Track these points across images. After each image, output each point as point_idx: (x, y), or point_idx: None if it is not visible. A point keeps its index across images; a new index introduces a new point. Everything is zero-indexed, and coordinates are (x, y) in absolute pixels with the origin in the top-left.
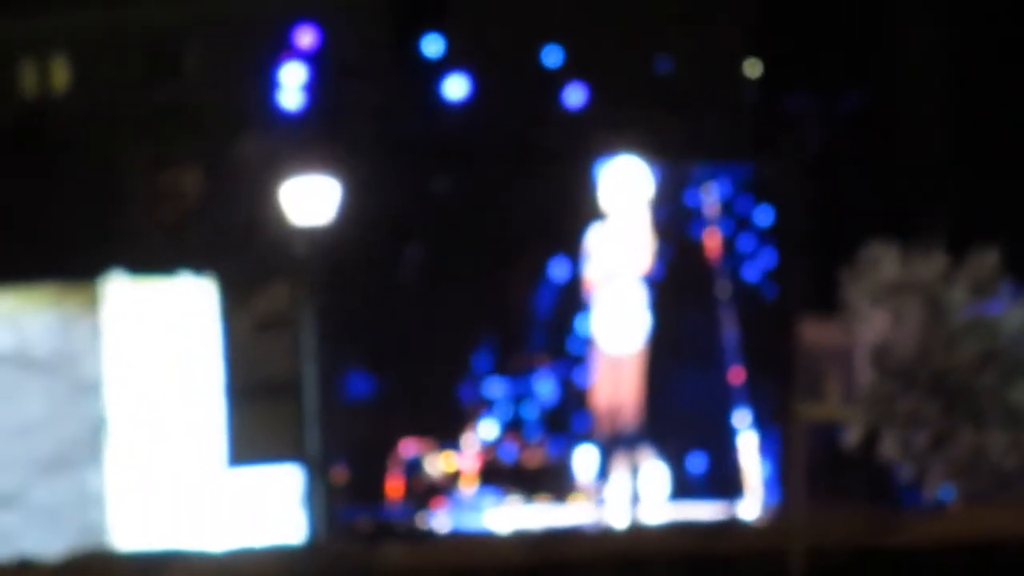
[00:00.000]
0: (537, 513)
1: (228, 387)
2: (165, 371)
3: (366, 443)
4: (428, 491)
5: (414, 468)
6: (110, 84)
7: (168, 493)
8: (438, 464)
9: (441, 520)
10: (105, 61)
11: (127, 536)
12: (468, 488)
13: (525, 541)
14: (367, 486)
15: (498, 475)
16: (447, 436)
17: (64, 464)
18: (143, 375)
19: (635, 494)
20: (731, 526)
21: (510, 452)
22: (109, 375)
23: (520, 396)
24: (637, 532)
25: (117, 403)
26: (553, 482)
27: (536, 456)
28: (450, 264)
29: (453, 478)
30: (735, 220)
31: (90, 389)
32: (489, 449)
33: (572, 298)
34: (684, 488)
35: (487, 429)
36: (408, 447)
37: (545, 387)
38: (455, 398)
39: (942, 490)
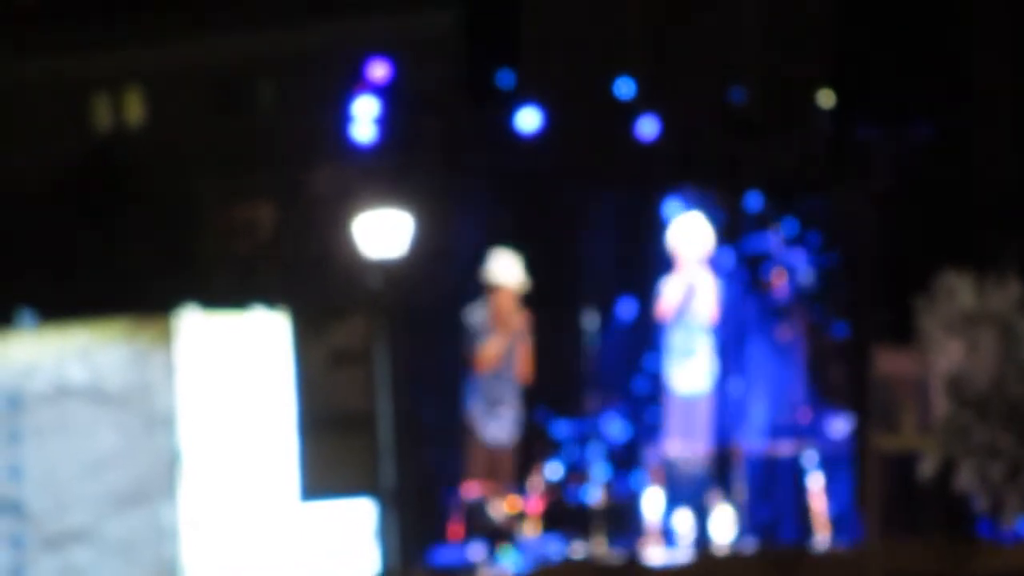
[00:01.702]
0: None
1: (301, 421)
2: (238, 405)
3: (430, 482)
4: (492, 534)
5: (476, 510)
6: (183, 118)
7: (242, 527)
8: (501, 507)
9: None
10: (178, 95)
11: (201, 571)
12: (532, 531)
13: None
14: (428, 527)
15: (563, 518)
16: (512, 479)
17: (138, 498)
18: (217, 409)
19: (704, 535)
20: (807, 555)
21: (576, 493)
22: (183, 409)
23: (586, 437)
24: (710, 563)
25: (191, 437)
26: (620, 523)
27: (603, 497)
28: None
29: (517, 520)
30: (806, 255)
31: (164, 423)
32: (554, 490)
33: (642, 338)
34: (753, 530)
35: (553, 470)
36: (471, 489)
37: (614, 427)
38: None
39: (1019, 521)
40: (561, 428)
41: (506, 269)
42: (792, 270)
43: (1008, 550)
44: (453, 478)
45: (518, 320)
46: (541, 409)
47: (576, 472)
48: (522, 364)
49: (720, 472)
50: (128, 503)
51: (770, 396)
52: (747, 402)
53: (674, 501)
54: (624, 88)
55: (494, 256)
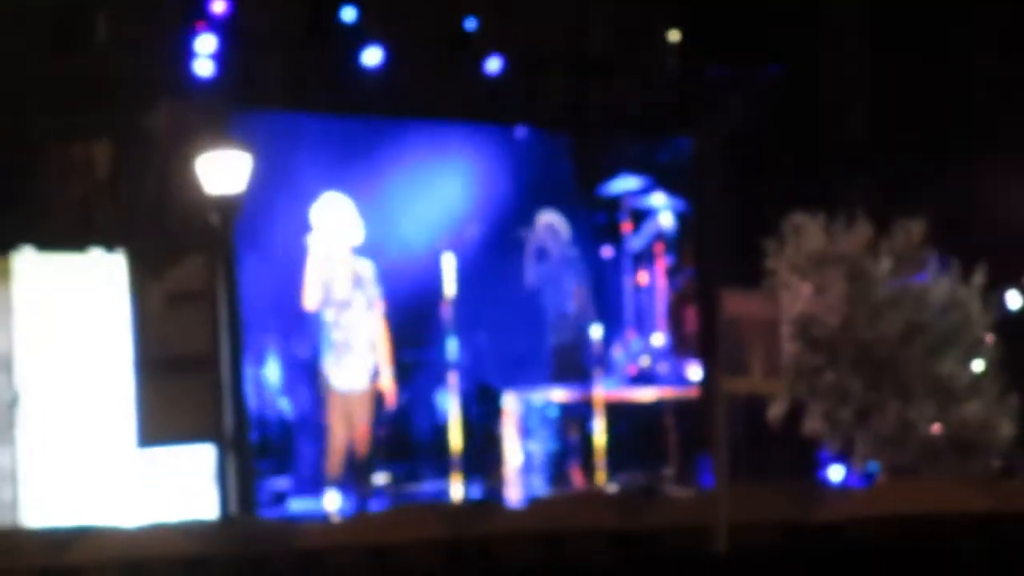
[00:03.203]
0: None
1: (139, 364)
2: (76, 347)
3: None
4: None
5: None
6: (17, 55)
7: (80, 470)
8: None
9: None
10: (11, 32)
11: (38, 513)
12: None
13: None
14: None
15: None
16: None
17: None
18: (54, 351)
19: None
20: (656, 500)
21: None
22: (19, 350)
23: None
24: (562, 504)
25: (28, 379)
26: (477, 463)
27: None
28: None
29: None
30: (662, 199)
31: (0, 364)
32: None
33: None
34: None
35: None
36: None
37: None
38: None
39: (868, 464)
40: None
41: (331, 213)
42: (647, 213)
43: (857, 494)
44: (303, 422)
45: (350, 267)
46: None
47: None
48: (369, 314)
49: (580, 417)
50: None
51: (627, 342)
52: (607, 348)
53: (532, 443)
54: (469, 25)
55: (321, 200)
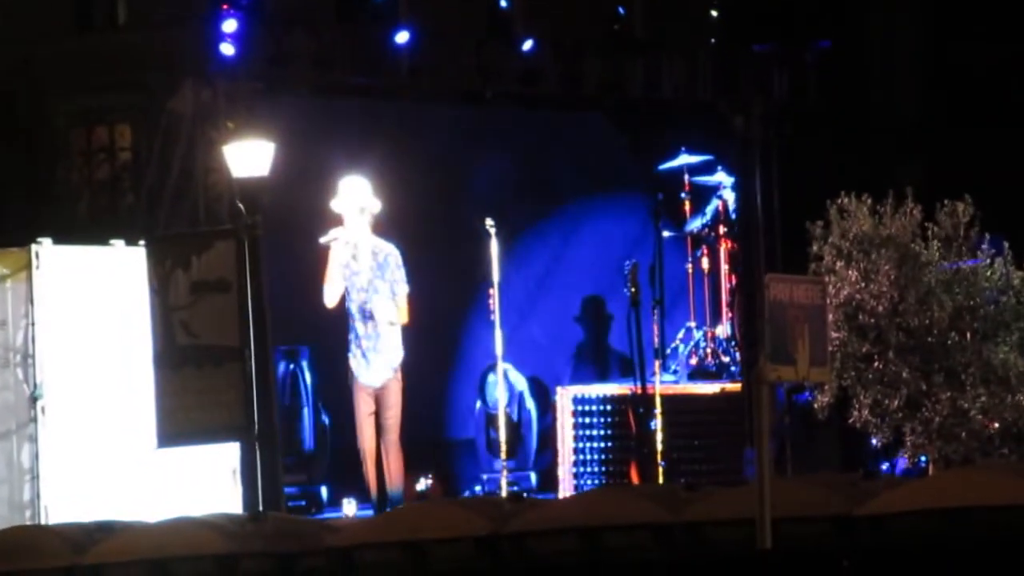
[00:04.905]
0: None
1: (161, 356)
2: (97, 339)
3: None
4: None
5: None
6: (39, 37)
7: (101, 465)
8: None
9: None
10: (33, 13)
11: (60, 511)
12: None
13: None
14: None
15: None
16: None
17: None
18: (75, 343)
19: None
20: (702, 492)
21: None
22: (40, 343)
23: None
24: (603, 497)
25: (48, 372)
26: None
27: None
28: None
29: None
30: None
31: (20, 358)
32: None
33: None
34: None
35: None
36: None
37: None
38: None
39: (918, 455)
40: None
41: (353, 196)
42: (710, 192)
43: (907, 486)
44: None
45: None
46: None
47: None
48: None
49: (637, 412)
50: None
51: (689, 332)
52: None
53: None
54: (502, 2)
55: (341, 184)
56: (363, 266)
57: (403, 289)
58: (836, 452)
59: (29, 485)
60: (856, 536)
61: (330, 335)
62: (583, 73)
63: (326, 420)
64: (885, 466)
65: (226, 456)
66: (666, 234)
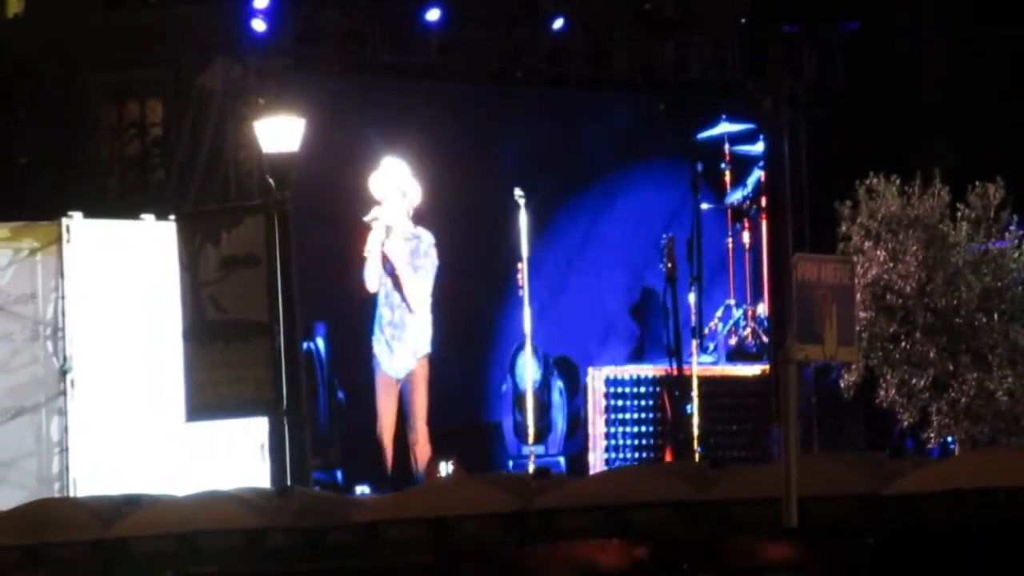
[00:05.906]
0: None
1: (190, 330)
2: (128, 313)
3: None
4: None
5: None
6: (71, 12)
7: (130, 439)
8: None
9: None
10: None
11: (88, 483)
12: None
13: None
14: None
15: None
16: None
17: (22, 408)
18: (105, 317)
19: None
20: (728, 470)
21: None
22: (70, 317)
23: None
24: (632, 475)
25: (78, 346)
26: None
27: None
28: None
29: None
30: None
31: (50, 331)
32: None
33: None
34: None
35: None
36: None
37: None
38: None
39: (945, 435)
40: None
41: (395, 179)
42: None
43: (933, 466)
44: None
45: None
46: None
47: None
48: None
49: (672, 393)
50: (12, 413)
51: (728, 310)
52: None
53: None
54: None
55: (380, 168)
56: (396, 250)
57: (430, 275)
58: (862, 432)
59: (58, 458)
60: (882, 515)
61: (347, 312)
62: (613, 52)
63: (341, 397)
64: (909, 443)
65: (254, 431)
66: (705, 206)
